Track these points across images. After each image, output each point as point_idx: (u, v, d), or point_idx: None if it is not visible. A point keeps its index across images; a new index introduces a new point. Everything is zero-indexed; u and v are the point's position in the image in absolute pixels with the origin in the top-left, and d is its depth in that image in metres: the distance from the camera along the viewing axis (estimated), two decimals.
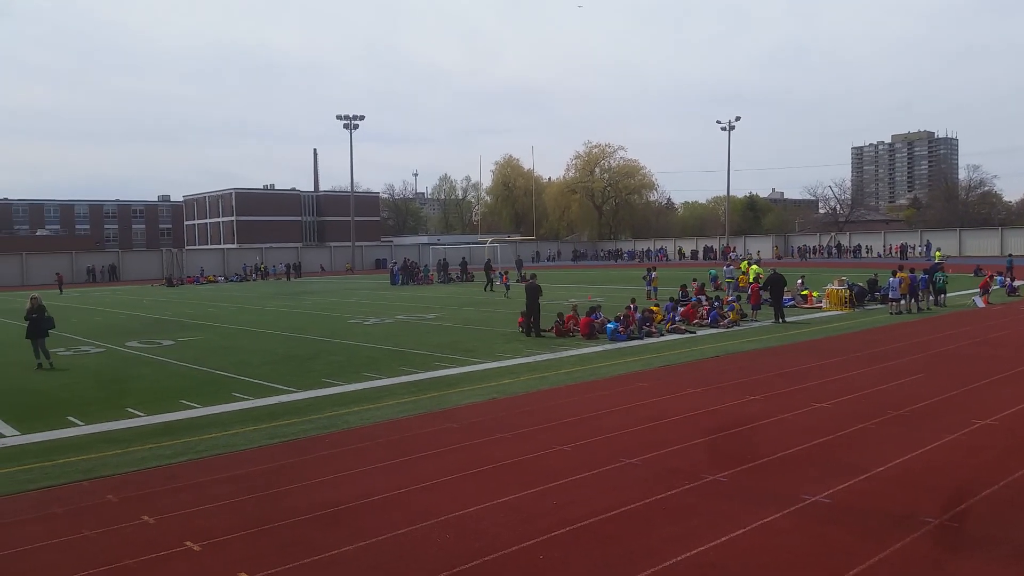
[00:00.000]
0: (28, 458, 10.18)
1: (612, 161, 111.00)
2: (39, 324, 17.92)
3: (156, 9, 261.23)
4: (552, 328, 21.39)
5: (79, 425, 12.02)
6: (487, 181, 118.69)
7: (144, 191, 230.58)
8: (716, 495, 7.97)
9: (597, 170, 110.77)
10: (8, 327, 28.09)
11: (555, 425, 11.24)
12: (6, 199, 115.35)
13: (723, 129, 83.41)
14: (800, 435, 10.25)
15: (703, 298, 26.16)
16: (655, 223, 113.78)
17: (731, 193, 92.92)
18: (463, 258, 60.21)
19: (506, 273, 38.95)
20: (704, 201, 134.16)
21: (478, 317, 27.70)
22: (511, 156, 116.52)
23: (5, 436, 11.45)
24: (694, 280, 30.44)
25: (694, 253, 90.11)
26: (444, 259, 59.61)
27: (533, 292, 21.65)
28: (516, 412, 12.21)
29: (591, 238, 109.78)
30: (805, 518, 7.27)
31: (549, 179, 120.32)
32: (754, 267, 30.86)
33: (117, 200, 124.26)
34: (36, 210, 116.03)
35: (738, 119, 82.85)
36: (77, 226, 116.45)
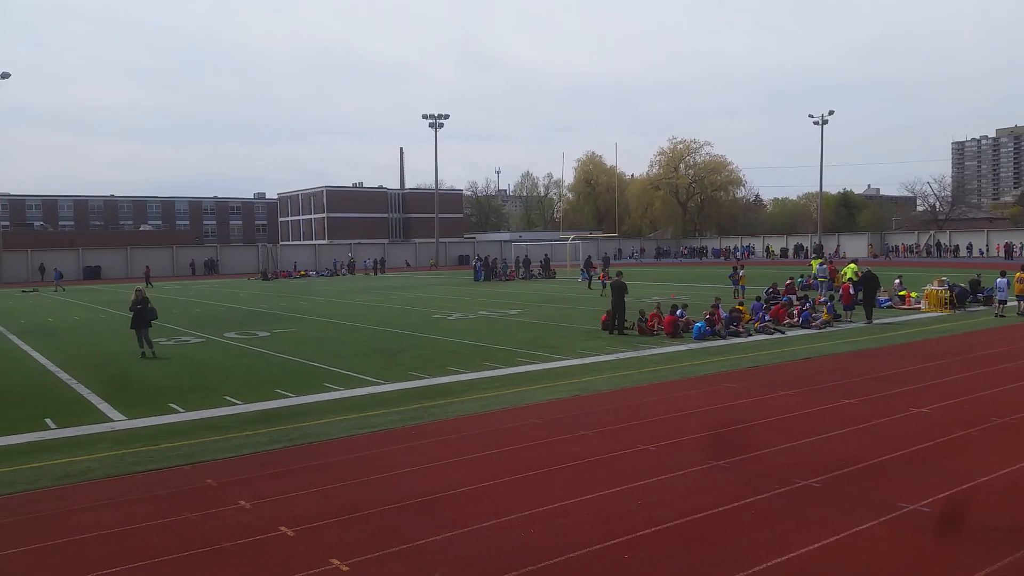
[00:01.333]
0: (134, 442, 10.74)
1: (697, 157, 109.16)
2: (143, 315, 18.89)
3: (253, 12, 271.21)
4: (634, 326, 21.21)
5: (180, 412, 12.61)
6: (569, 178, 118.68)
7: (241, 189, 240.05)
8: (808, 500, 7.74)
9: (682, 166, 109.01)
10: (115, 318, 29.69)
11: (639, 424, 11.14)
12: (112, 196, 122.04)
13: (815, 123, 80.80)
14: (897, 441, 9.85)
15: (793, 297, 25.43)
16: (742, 220, 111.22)
17: (824, 189, 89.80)
18: (545, 255, 60.26)
19: (604, 270, 38.66)
20: (795, 197, 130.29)
21: (559, 314, 27.69)
22: (593, 152, 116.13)
23: (113, 420, 12.12)
24: (790, 279, 29.65)
25: (784, 251, 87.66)
26: (526, 256, 59.86)
27: (619, 290, 21.51)
28: (599, 410, 12.16)
29: (675, 235, 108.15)
30: (903, 527, 6.98)
31: (632, 175, 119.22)
32: (851, 265, 29.97)
33: (215, 197, 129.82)
34: (140, 207, 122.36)
35: (831, 113, 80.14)
36: (177, 222, 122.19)
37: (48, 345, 21.70)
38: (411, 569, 6.32)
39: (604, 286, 35.78)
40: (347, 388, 14.28)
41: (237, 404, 13.08)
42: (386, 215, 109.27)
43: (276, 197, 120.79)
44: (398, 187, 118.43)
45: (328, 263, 75.96)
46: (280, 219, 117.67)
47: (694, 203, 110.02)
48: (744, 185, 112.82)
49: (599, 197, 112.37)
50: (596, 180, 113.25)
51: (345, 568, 6.35)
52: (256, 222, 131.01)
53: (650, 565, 6.28)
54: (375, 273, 69.27)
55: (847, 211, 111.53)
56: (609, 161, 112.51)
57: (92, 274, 70.45)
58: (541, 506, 7.67)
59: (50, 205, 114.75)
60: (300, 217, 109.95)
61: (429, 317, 27.49)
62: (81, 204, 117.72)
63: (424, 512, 7.64)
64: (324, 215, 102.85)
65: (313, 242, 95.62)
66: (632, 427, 10.96)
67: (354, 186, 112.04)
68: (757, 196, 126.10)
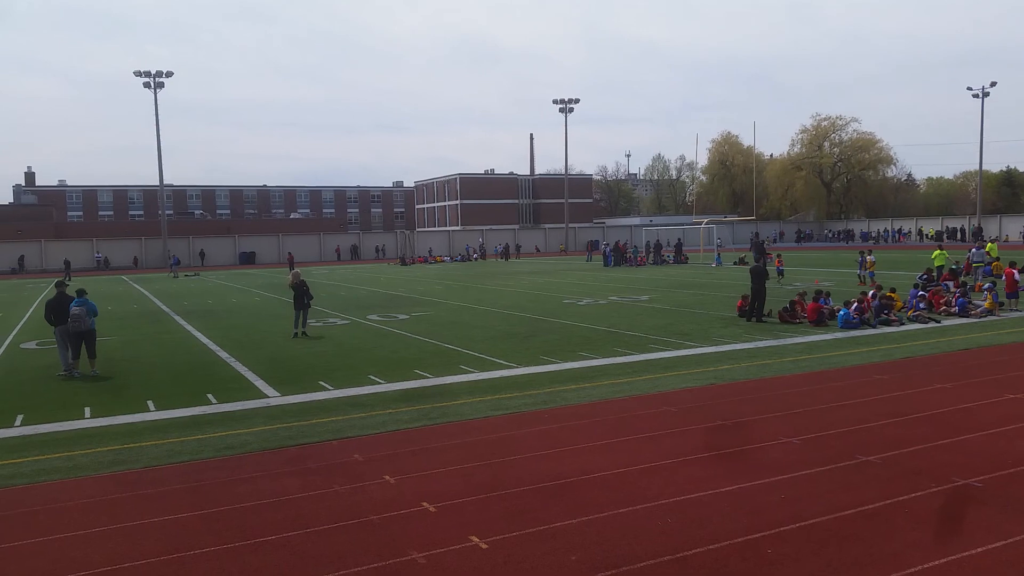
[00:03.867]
0: (287, 417, 11.44)
1: (843, 134, 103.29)
2: (302, 296, 20.10)
3: (390, 7, 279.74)
4: (771, 312, 20.43)
5: (328, 389, 13.30)
6: (702, 160, 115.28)
7: (381, 177, 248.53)
8: (968, 501, 7.22)
9: (826, 144, 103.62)
10: (269, 300, 31.63)
11: (781, 415, 10.74)
12: (265, 186, 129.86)
13: (975, 96, 74.59)
14: None
15: (950, 284, 23.70)
16: (893, 201, 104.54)
17: (984, 167, 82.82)
18: (677, 239, 59.01)
19: (779, 256, 36.02)
20: (951, 176, 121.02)
21: (693, 300, 27.07)
22: (729, 133, 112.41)
23: (268, 397, 12.94)
24: (955, 263, 27.75)
25: (939, 234, 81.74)
26: (657, 240, 58.86)
27: (759, 275, 20.77)
28: (737, 399, 11.82)
29: (818, 217, 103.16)
30: None
31: (771, 156, 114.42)
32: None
33: (358, 186, 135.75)
34: (290, 196, 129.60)
35: (993, 84, 73.66)
36: (324, 210, 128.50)
37: (208, 325, 23.42)
38: (548, 551, 6.40)
39: (780, 273, 32.86)
40: (481, 370, 14.59)
41: (380, 383, 13.65)
42: (516, 201, 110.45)
43: (413, 185, 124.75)
44: (528, 173, 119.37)
45: (461, 248, 77.72)
46: (416, 206, 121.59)
47: (839, 183, 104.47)
48: (895, 164, 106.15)
49: (735, 179, 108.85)
50: (732, 161, 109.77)
51: (484, 546, 6.51)
52: (395, 209, 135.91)
53: (795, 561, 6.06)
54: (506, 258, 70.25)
55: (1010, 191, 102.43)
56: (746, 141, 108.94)
57: (247, 259, 75.44)
58: (678, 496, 7.56)
59: (208, 195, 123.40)
60: (435, 204, 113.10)
61: (559, 302, 27.59)
62: (236, 193, 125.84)
63: (559, 495, 7.71)
64: (458, 202, 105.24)
65: (447, 228, 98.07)
66: (773, 418, 10.59)
67: (486, 173, 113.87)
68: (909, 175, 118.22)
